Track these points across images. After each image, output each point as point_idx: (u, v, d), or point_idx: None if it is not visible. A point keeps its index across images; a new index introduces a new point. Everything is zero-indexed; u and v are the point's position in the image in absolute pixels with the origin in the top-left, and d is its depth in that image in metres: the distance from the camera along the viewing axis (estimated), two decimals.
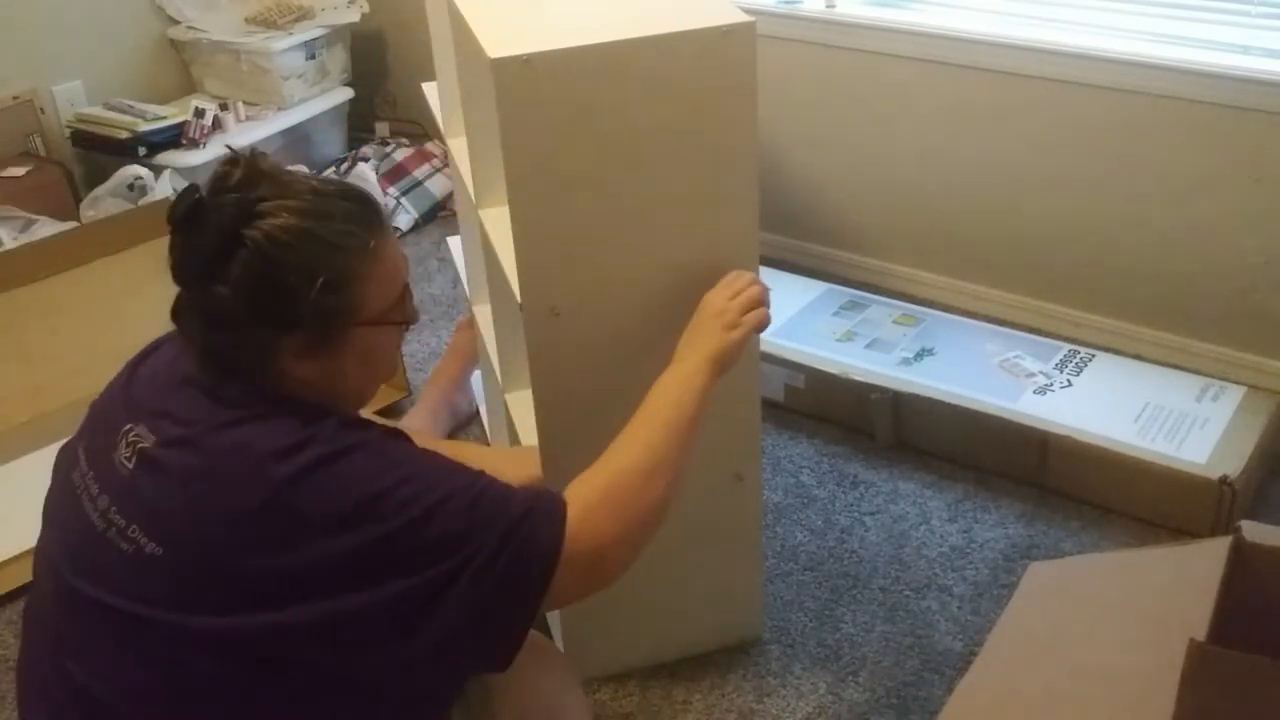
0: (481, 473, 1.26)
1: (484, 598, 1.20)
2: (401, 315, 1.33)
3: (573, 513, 1.26)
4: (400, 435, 1.30)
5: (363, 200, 1.30)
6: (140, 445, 1.23)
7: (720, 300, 1.54)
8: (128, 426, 1.25)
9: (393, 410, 2.55)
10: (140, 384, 1.31)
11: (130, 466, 1.22)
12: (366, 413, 1.64)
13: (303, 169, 3.31)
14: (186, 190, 1.23)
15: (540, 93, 1.46)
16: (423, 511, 1.18)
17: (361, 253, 1.25)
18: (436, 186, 3.51)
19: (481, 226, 1.86)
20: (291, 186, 1.25)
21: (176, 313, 1.28)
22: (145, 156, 3.24)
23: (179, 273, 1.24)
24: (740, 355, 1.52)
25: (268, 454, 1.18)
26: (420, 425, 2.36)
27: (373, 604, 1.16)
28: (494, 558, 1.20)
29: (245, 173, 1.23)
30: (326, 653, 1.17)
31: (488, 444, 2.44)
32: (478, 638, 1.22)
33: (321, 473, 1.18)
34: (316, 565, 1.16)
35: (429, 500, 1.19)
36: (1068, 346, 2.49)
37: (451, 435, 2.49)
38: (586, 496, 1.29)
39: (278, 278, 1.20)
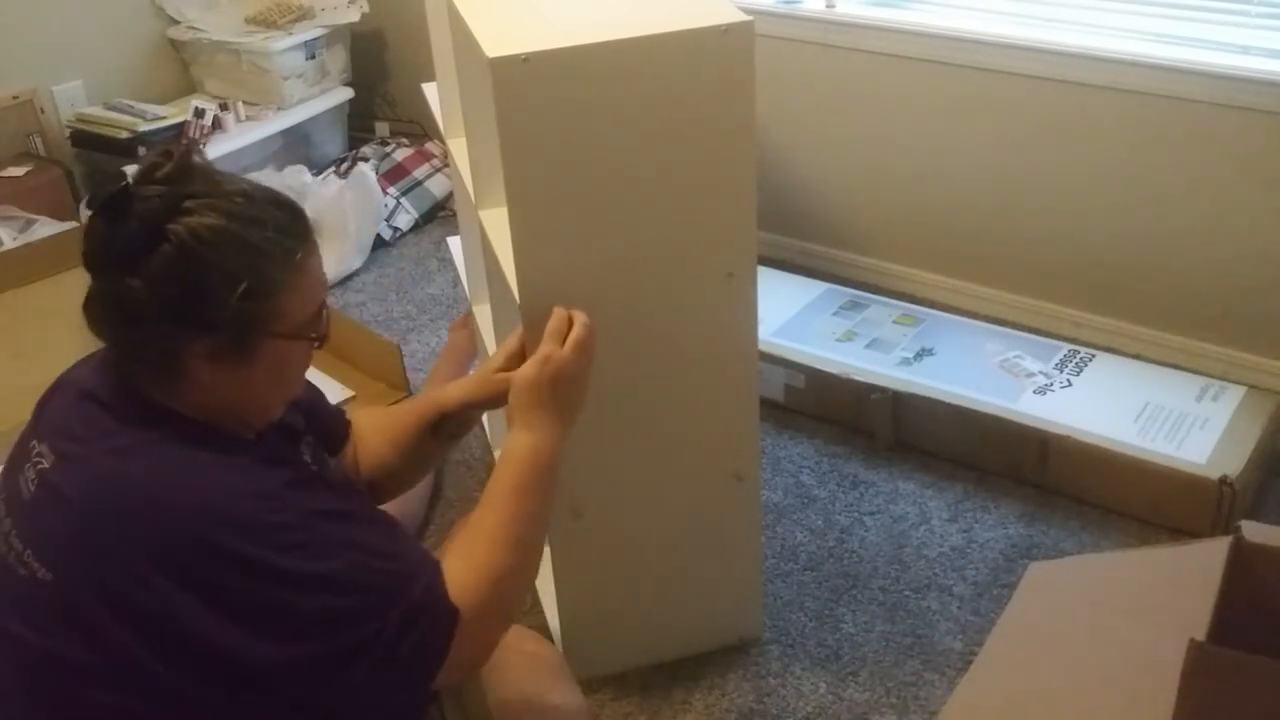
0: (384, 535, 1.24)
1: (368, 685, 1.18)
2: (317, 330, 1.28)
3: (465, 616, 1.22)
4: (313, 481, 1.28)
5: (293, 210, 1.26)
6: (40, 466, 1.19)
7: (533, 368, 1.45)
8: (33, 444, 1.22)
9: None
10: (53, 402, 1.28)
11: (32, 489, 1.19)
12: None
13: (302, 168, 3.31)
14: (116, 177, 1.20)
15: (538, 92, 1.46)
16: (307, 579, 1.15)
17: (286, 263, 1.21)
18: (436, 186, 3.51)
19: (481, 226, 1.86)
20: (222, 186, 1.21)
21: (87, 305, 1.22)
22: (145, 156, 3.24)
23: (93, 258, 1.19)
24: (576, 389, 1.47)
25: (150, 479, 1.15)
26: None
27: (227, 658, 1.13)
28: (393, 646, 1.18)
29: (176, 167, 1.19)
30: (217, 693, 1.15)
31: (489, 445, 2.44)
32: (377, 710, 1.21)
33: (212, 516, 1.14)
34: (197, 608, 1.12)
35: (317, 569, 1.15)
36: (1068, 346, 2.49)
37: None
38: (473, 600, 1.24)
39: (198, 277, 1.16)
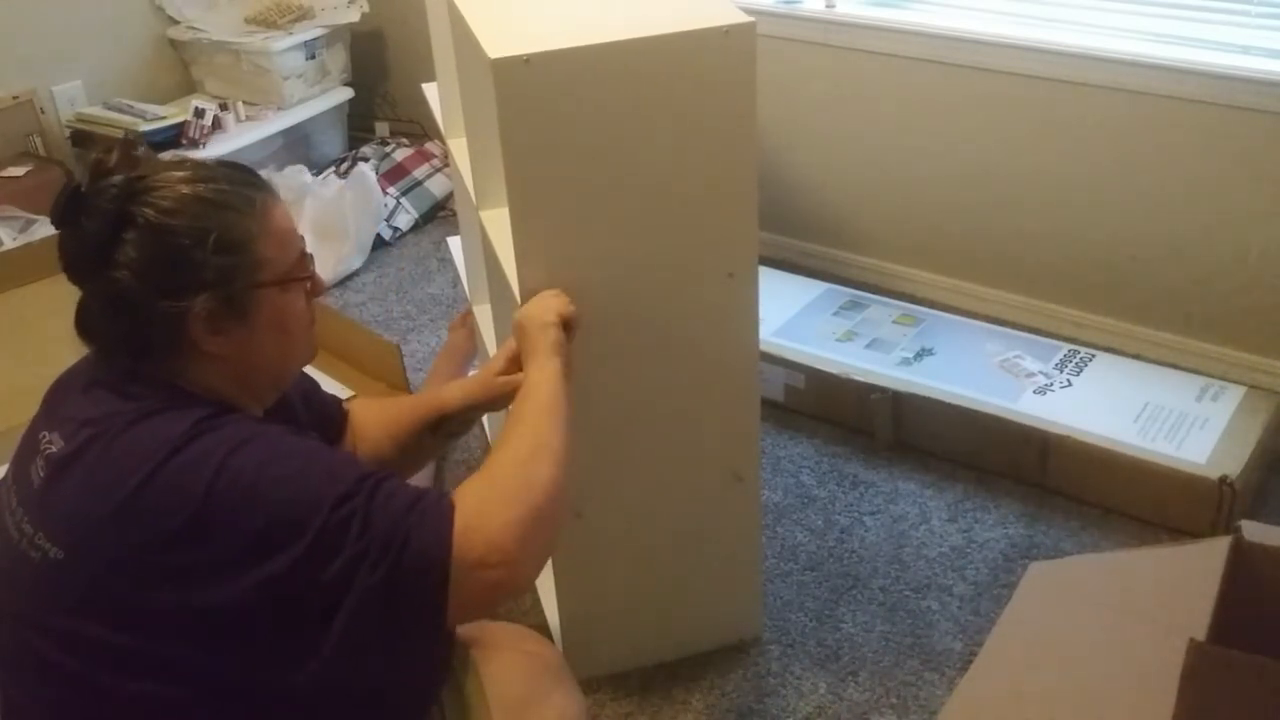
0: (375, 474, 1.21)
1: (379, 595, 1.14)
2: (304, 271, 1.32)
3: (462, 505, 1.19)
4: (302, 432, 1.28)
5: (243, 168, 1.32)
6: (49, 451, 1.22)
7: (537, 309, 1.52)
8: (42, 434, 1.25)
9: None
10: (57, 395, 1.31)
11: (42, 475, 1.21)
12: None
13: (302, 168, 3.31)
14: (64, 186, 1.23)
15: (540, 93, 1.46)
16: (304, 507, 1.14)
17: (249, 209, 1.26)
18: (436, 186, 3.51)
19: (482, 227, 1.86)
20: (170, 163, 1.27)
21: (79, 322, 1.26)
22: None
23: (73, 268, 1.24)
24: (567, 340, 1.50)
25: (160, 442, 1.16)
26: None
27: (262, 599, 1.13)
28: (382, 554, 1.14)
29: (121, 157, 1.24)
30: (234, 662, 1.15)
31: (489, 445, 2.44)
32: (386, 640, 1.18)
33: (209, 461, 1.15)
34: (201, 558, 1.13)
35: (311, 496, 1.15)
36: (1068, 346, 2.49)
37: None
38: (473, 489, 1.22)
39: (172, 246, 1.21)
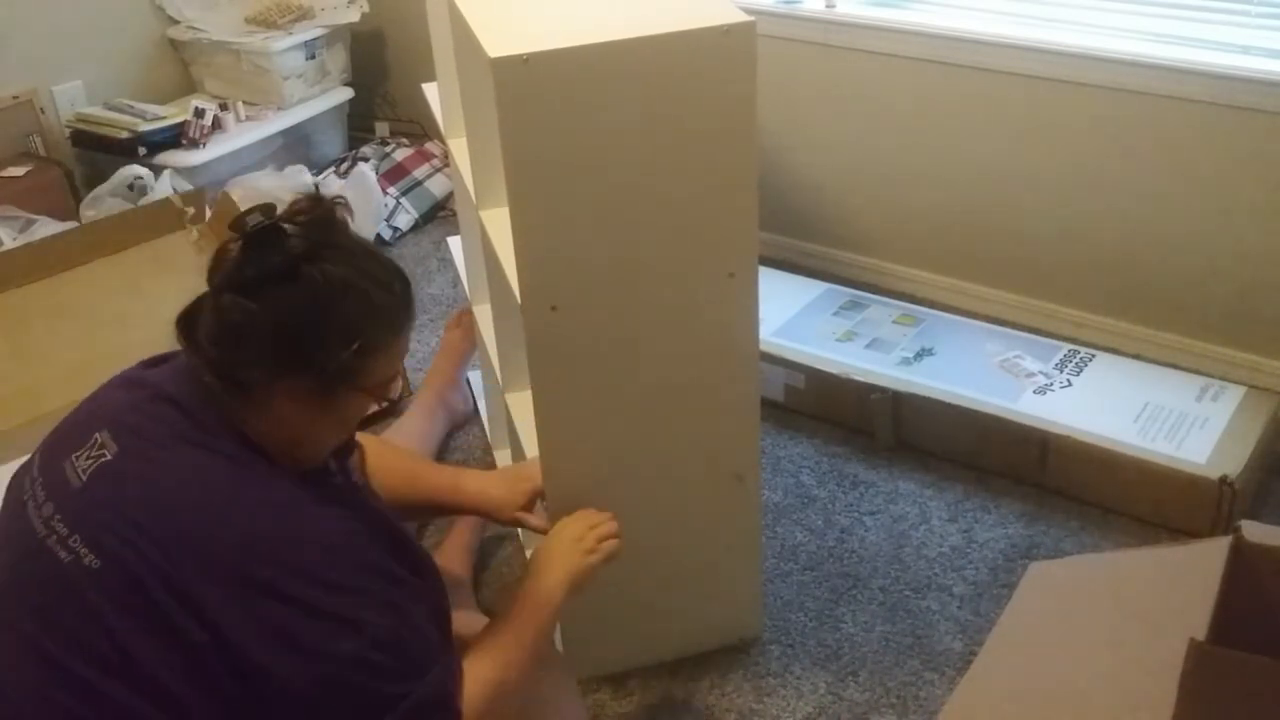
0: (427, 611, 1.28)
1: None
2: (390, 394, 1.36)
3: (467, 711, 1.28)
4: (361, 536, 1.29)
5: (407, 281, 1.34)
6: (103, 458, 1.21)
7: (578, 528, 1.59)
8: (96, 434, 1.24)
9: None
10: (120, 397, 1.30)
11: (84, 478, 1.21)
12: None
13: (302, 168, 3.31)
14: (264, 207, 1.24)
15: (540, 92, 1.46)
16: (349, 624, 1.19)
17: (394, 329, 1.30)
18: (436, 186, 3.51)
19: (482, 226, 1.86)
20: (358, 242, 1.30)
21: (186, 318, 1.26)
22: (145, 156, 3.24)
23: (223, 277, 1.23)
24: (593, 578, 1.56)
25: (235, 501, 1.19)
26: (417, 427, 2.36)
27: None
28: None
29: (322, 214, 1.27)
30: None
31: (488, 443, 2.44)
32: None
33: (280, 545, 1.19)
34: (243, 621, 1.15)
35: (362, 618, 1.20)
36: (1068, 346, 2.49)
37: (449, 434, 2.48)
38: (473, 709, 1.29)
39: (319, 322, 1.23)
